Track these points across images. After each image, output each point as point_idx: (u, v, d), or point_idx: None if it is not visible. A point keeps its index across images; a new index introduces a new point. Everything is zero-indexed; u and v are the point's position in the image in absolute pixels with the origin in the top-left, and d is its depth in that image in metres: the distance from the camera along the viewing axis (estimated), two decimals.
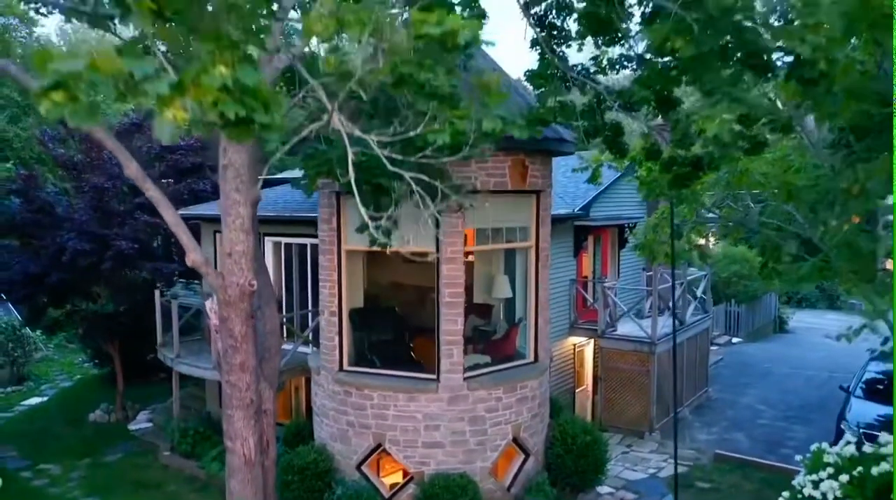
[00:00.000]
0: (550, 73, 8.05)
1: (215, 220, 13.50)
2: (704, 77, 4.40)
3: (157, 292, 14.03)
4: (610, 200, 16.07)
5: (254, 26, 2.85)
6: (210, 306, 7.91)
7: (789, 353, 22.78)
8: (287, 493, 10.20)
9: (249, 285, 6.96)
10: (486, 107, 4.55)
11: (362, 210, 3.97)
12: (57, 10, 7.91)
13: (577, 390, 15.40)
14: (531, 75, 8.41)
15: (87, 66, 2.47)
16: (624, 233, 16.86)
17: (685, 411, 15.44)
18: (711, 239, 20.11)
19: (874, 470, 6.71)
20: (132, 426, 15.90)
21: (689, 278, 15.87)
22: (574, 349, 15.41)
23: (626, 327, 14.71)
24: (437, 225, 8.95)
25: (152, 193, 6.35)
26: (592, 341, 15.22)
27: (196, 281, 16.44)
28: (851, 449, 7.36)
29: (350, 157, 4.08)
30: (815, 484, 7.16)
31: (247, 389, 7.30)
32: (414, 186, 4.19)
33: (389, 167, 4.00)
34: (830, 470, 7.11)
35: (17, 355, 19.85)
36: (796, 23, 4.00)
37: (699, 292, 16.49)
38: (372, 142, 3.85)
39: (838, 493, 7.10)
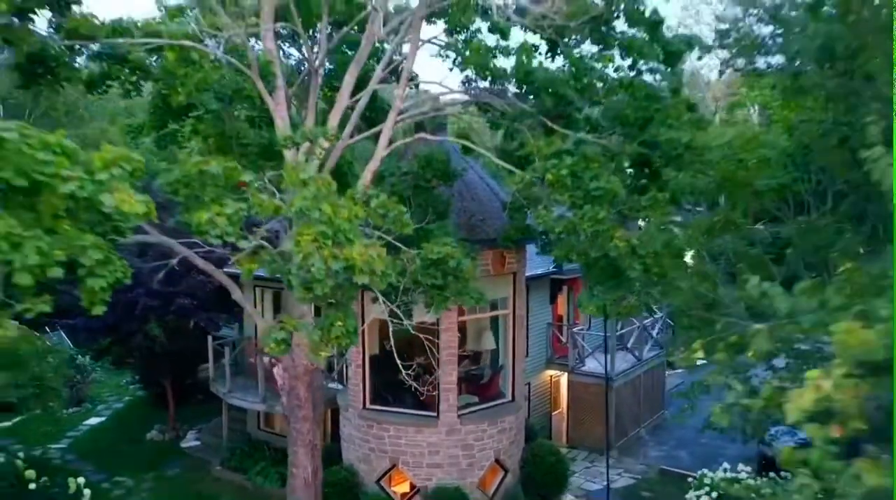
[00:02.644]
0: (519, 205, 11.27)
1: (256, 277, 16.75)
2: (591, 272, 7.66)
3: (209, 338, 17.27)
4: None
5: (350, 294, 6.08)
6: (277, 371, 11.13)
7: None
8: None
9: (311, 364, 10.22)
10: (465, 285, 7.82)
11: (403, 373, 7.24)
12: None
13: (553, 413, 18.67)
14: (505, 206, 11.70)
15: (286, 333, 5.71)
16: None
17: (642, 431, 18.71)
18: None
19: (730, 490, 9.95)
20: (184, 444, 19.08)
21: (645, 322, 19.10)
22: (550, 380, 18.68)
23: (592, 364, 17.95)
24: None
25: (256, 318, 9.64)
26: (566, 373, 18.47)
27: (235, 317, 19.62)
28: (722, 474, 10.61)
29: (390, 327, 7.36)
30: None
31: (308, 433, 10.58)
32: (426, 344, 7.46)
33: (412, 330, 7.27)
34: (707, 489, 10.34)
35: (77, 379, 23.05)
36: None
37: (654, 333, 19.73)
38: (405, 321, 7.11)
39: None
